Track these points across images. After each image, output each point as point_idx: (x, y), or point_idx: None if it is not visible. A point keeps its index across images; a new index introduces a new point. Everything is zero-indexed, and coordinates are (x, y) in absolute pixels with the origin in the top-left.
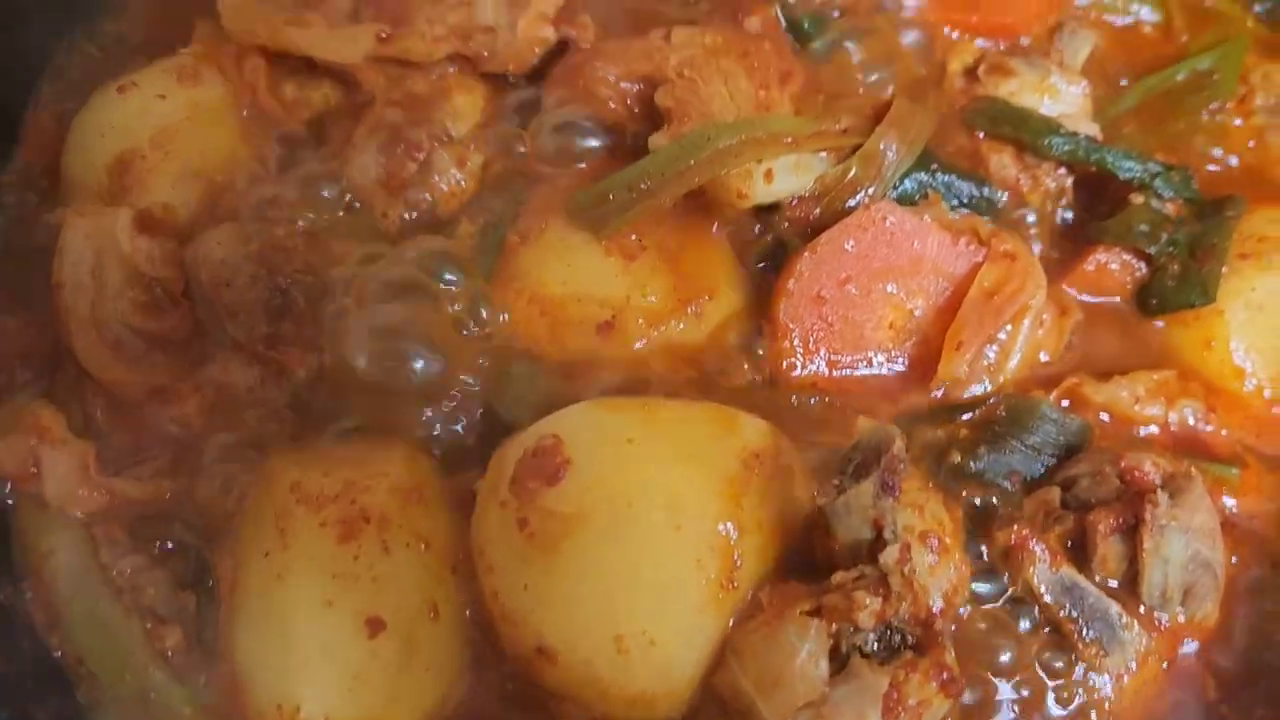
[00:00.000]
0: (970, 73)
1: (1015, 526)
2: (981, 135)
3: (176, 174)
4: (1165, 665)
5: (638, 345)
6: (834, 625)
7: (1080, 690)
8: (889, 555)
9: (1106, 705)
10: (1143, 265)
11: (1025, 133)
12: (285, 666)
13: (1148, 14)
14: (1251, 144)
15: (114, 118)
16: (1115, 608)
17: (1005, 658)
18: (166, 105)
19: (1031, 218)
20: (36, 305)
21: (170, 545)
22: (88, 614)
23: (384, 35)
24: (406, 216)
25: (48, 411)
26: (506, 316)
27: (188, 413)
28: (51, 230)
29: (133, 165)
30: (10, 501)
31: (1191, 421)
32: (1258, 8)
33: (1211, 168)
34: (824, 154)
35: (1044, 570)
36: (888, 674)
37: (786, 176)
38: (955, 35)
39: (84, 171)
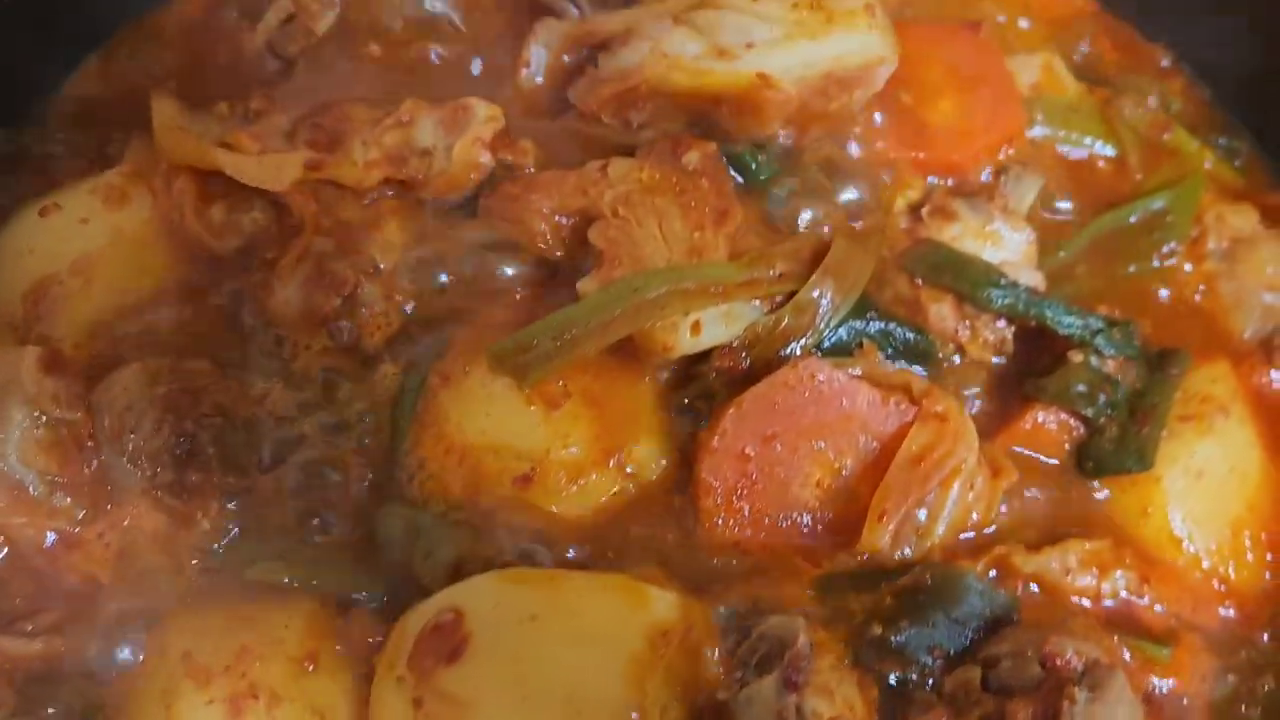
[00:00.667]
0: (914, 211)
1: (932, 714)
2: (920, 282)
3: (94, 303)
4: None
5: (556, 500)
6: None
7: None
8: None
9: None
10: (1081, 425)
11: (964, 283)
12: None
13: (1101, 148)
14: (1202, 288)
15: (34, 242)
16: None
17: None
18: (90, 229)
19: (966, 366)
20: None
21: (56, 711)
22: None
23: (313, 163)
24: (330, 345)
25: None
26: (422, 468)
27: (91, 560)
28: None
29: (49, 292)
30: None
31: (1124, 593)
32: (1221, 140)
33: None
34: (756, 301)
35: None
36: None
37: (715, 326)
38: (903, 173)
39: (0, 296)
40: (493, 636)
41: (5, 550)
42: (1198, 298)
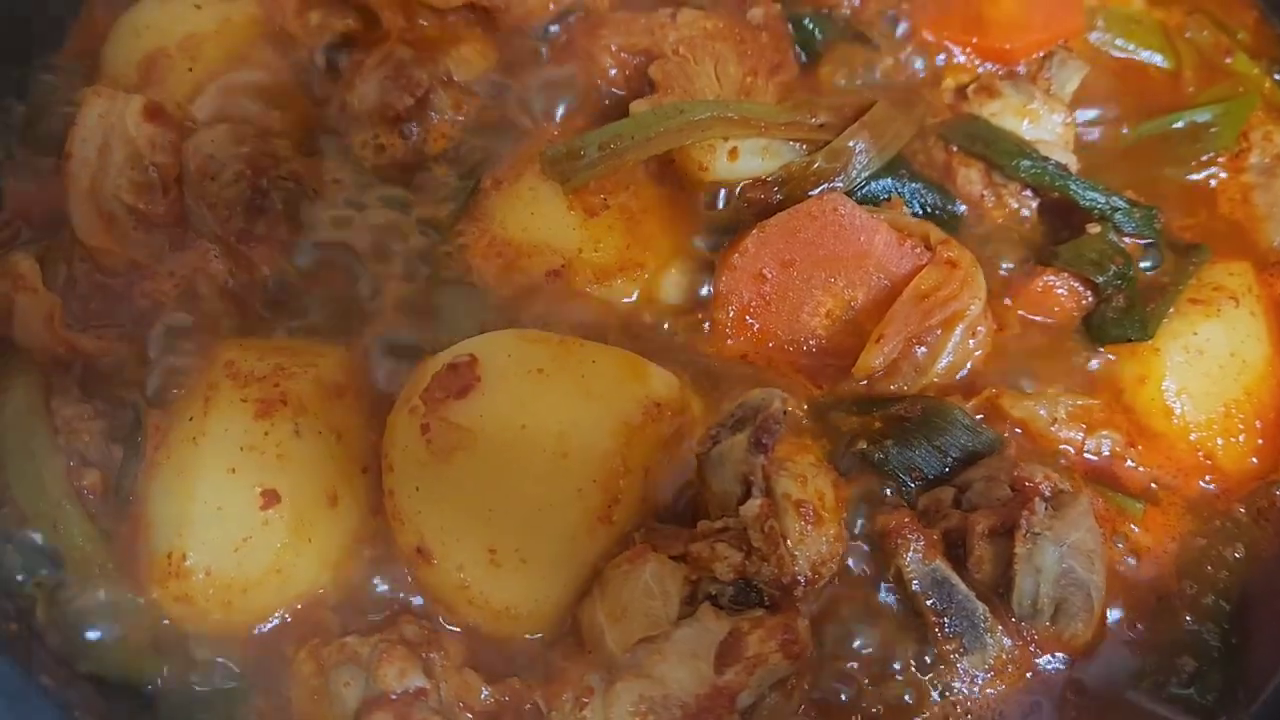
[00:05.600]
0: (961, 91)
1: (898, 514)
2: (955, 149)
3: (196, 78)
4: (1029, 676)
5: (581, 292)
6: (695, 574)
7: (937, 685)
8: (749, 509)
9: (959, 706)
10: (1090, 294)
11: (995, 152)
12: (182, 519)
13: (1159, 61)
14: (1236, 198)
15: (152, 19)
16: (982, 609)
17: (863, 640)
18: (200, 15)
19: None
20: (50, 175)
21: (113, 402)
22: (22, 444)
23: None
24: (400, 143)
25: (27, 263)
26: (463, 252)
27: (159, 290)
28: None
29: (158, 63)
30: None
31: (1107, 452)
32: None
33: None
34: (797, 144)
35: (916, 559)
36: (730, 624)
37: (752, 158)
38: (956, 55)
39: (118, 64)
40: (501, 381)
41: (90, 269)
42: (1229, 210)
